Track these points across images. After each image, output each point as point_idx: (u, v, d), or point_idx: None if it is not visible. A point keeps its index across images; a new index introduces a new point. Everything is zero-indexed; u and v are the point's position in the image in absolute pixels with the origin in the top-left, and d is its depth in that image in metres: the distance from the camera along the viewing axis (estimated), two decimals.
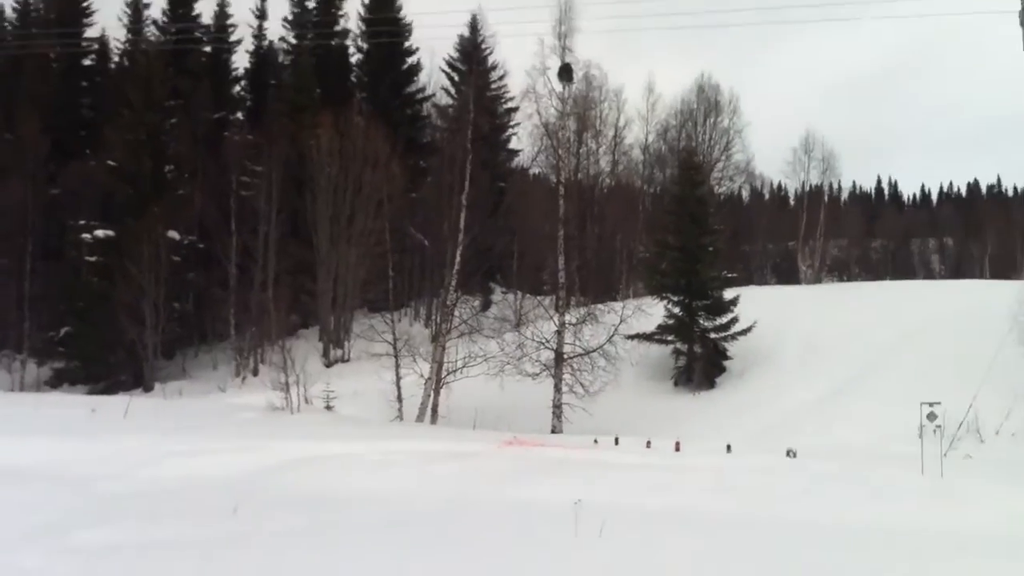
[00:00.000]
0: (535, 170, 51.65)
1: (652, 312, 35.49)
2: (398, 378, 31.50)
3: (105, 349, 42.74)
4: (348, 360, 43.46)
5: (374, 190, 43.17)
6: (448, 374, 31.65)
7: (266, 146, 45.17)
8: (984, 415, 26.30)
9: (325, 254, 44.34)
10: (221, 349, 46.18)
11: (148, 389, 41.46)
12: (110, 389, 40.95)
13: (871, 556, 9.94)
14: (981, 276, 79.34)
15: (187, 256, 46.40)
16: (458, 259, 33.19)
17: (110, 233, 44.07)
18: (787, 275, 73.86)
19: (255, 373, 42.33)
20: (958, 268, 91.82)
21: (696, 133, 63.81)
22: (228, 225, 44.71)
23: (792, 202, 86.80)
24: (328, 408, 30.11)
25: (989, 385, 25.63)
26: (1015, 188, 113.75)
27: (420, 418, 31.00)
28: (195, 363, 46.47)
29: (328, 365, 42.66)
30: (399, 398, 31.26)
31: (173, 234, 44.68)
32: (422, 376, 31.28)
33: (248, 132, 48.93)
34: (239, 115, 54.81)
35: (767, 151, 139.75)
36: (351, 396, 32.84)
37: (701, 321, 38.10)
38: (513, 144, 57.92)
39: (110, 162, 45.22)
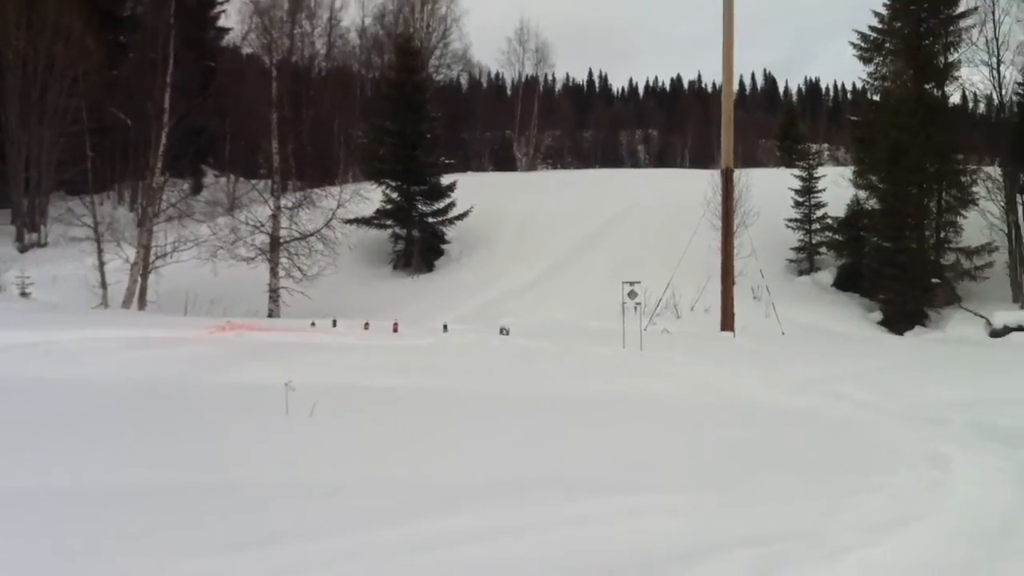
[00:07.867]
0: (247, 50, 49.56)
1: (370, 197, 35.49)
2: (101, 263, 29.87)
3: None
4: (45, 245, 40.47)
5: (68, 66, 39.93)
6: (156, 259, 30.32)
7: None
8: (681, 293, 28.33)
9: (15, 133, 40.69)
10: None
11: None
12: None
13: (580, 419, 10.39)
14: (682, 165, 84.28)
15: None
16: (164, 140, 31.61)
17: None
18: (504, 163, 75.33)
19: None
20: (661, 157, 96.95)
21: (413, 19, 63.31)
22: None
23: (509, 92, 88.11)
24: (24, 295, 28.12)
25: (686, 265, 27.49)
26: (714, 85, 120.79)
27: (127, 305, 29.59)
28: None
29: (23, 250, 39.64)
30: (103, 284, 29.64)
31: None
32: (128, 261, 29.77)
33: None
34: None
35: (485, 40, 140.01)
36: (50, 282, 30.96)
37: (419, 206, 38.48)
38: (222, 22, 55.29)
39: None
